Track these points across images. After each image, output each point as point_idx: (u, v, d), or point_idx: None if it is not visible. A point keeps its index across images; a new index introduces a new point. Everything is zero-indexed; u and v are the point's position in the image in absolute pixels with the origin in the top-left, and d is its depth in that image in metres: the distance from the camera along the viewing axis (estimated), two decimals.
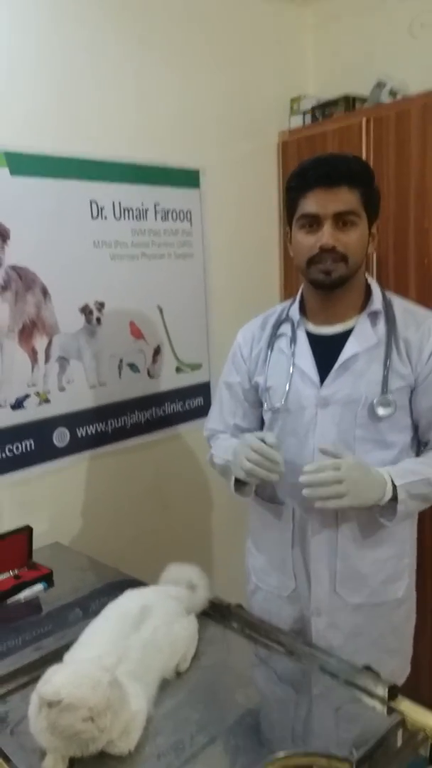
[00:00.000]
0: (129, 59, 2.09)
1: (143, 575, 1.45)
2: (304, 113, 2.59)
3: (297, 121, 2.61)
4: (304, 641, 1.35)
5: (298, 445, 1.38)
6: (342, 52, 2.63)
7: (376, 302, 1.36)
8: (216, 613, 1.48)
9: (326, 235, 1.25)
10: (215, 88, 2.36)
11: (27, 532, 1.73)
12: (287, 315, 1.45)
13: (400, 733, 1.11)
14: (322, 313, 1.39)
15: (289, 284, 2.67)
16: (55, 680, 1.00)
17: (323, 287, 1.34)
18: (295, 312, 1.43)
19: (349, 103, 2.46)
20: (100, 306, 2.07)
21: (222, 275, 2.42)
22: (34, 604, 1.59)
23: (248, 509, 1.59)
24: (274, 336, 1.45)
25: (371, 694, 1.17)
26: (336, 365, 1.34)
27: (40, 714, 0.99)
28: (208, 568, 1.44)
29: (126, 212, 2.12)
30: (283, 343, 1.43)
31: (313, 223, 1.27)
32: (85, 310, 2.04)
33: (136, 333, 2.20)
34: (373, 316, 1.36)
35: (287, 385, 1.38)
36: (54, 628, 1.45)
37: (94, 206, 2.03)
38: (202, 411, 2.42)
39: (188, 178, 2.29)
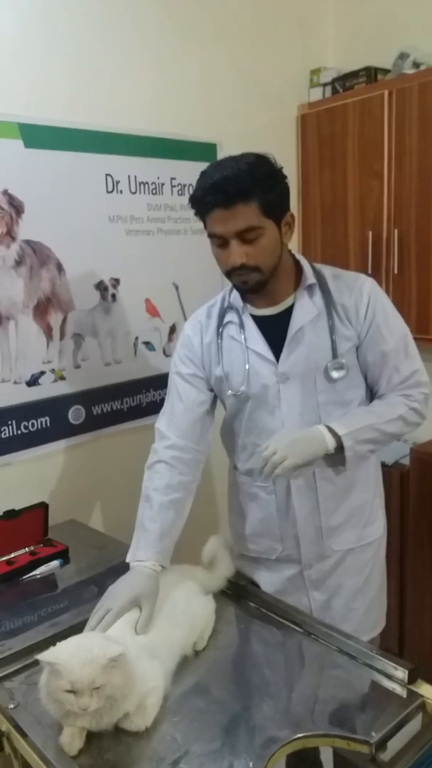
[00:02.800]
0: (146, 31, 2.04)
1: None
2: (324, 85, 2.53)
3: (317, 94, 2.55)
4: (322, 623, 1.34)
5: (268, 420, 1.45)
6: (364, 22, 2.56)
7: (309, 277, 1.43)
8: (233, 593, 1.47)
9: (233, 255, 1.31)
10: (233, 59, 2.30)
11: (43, 508, 1.73)
12: (230, 303, 1.51)
13: (420, 716, 1.09)
14: (260, 299, 1.45)
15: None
16: (59, 645, 1.04)
17: (245, 293, 1.43)
18: (237, 299, 1.49)
19: (371, 74, 2.39)
20: (116, 282, 2.05)
21: None
22: (50, 581, 1.59)
23: (227, 483, 1.63)
24: (221, 324, 1.50)
25: (391, 677, 1.16)
26: (287, 340, 1.41)
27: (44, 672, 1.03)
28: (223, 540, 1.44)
29: (142, 186, 2.08)
30: (232, 330, 1.48)
31: (221, 241, 1.33)
32: (100, 287, 2.01)
33: (152, 311, 2.17)
34: (309, 290, 1.43)
35: (246, 369, 1.44)
36: (70, 605, 1.45)
37: (109, 180, 1.99)
38: None
39: (205, 152, 2.24)
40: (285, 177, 1.35)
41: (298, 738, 1.04)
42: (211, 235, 1.35)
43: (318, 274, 1.45)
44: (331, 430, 1.36)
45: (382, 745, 1.03)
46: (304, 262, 1.46)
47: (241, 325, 1.46)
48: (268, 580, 1.54)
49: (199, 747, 1.02)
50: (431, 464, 2.23)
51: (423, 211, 2.20)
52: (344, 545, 1.50)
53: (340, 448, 1.37)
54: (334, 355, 1.40)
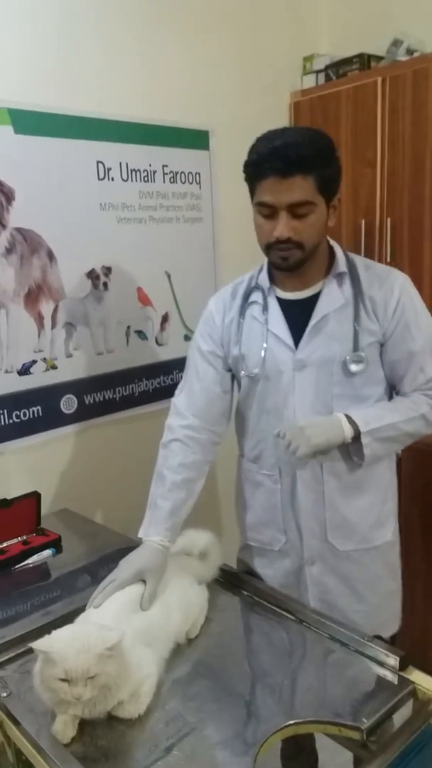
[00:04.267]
0: (139, 18, 2.01)
1: None
2: (317, 72, 2.51)
3: (310, 81, 2.53)
4: (314, 611, 1.34)
5: (280, 407, 1.42)
6: (357, 9, 2.54)
7: (341, 264, 1.40)
8: (225, 581, 1.47)
9: (280, 227, 1.28)
10: (226, 46, 2.28)
11: (35, 497, 1.73)
12: (257, 283, 1.48)
13: (411, 702, 1.10)
14: (289, 281, 1.42)
15: None
16: (54, 634, 1.04)
17: (282, 270, 1.39)
18: (264, 280, 1.46)
19: (364, 61, 2.37)
20: (107, 271, 2.03)
21: (231, 241, 2.37)
22: (42, 570, 1.59)
23: (235, 470, 1.62)
24: (245, 304, 1.47)
25: (382, 664, 1.17)
26: (308, 327, 1.38)
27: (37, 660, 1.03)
28: (215, 535, 1.44)
29: (133, 174, 2.06)
30: (255, 311, 1.45)
31: (270, 211, 1.28)
32: (92, 275, 2.00)
33: (144, 299, 2.16)
34: (339, 278, 1.40)
35: (263, 352, 1.41)
36: (62, 594, 1.46)
37: (100, 167, 1.97)
38: None
39: (197, 139, 2.22)
40: (339, 161, 1.31)
41: (290, 725, 1.05)
42: (259, 204, 1.29)
43: (350, 263, 1.41)
44: (350, 419, 1.34)
45: (373, 731, 1.04)
46: (338, 249, 1.42)
47: (265, 307, 1.43)
48: (270, 573, 1.53)
49: (191, 734, 1.02)
50: (423, 453, 2.24)
51: (416, 199, 2.19)
52: (348, 545, 1.46)
53: (356, 439, 1.34)
54: (355, 348, 1.36)
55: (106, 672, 1.00)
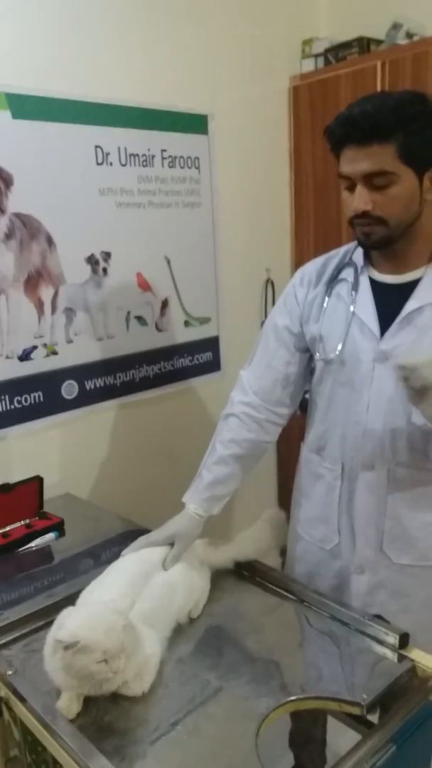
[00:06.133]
0: (137, 2, 1.99)
1: (153, 526, 1.45)
2: (317, 56, 2.49)
3: (309, 65, 2.51)
4: (315, 590, 1.35)
5: (353, 399, 1.32)
6: None
7: None
8: None
9: (357, 200, 1.17)
10: (224, 29, 2.26)
11: (38, 481, 1.74)
12: (350, 259, 1.34)
13: (411, 680, 1.12)
14: (385, 262, 1.28)
15: (300, 235, 2.61)
16: (70, 623, 1.02)
17: (366, 248, 1.28)
18: (359, 256, 1.32)
19: (364, 45, 2.36)
20: (107, 256, 2.03)
21: (231, 225, 2.37)
22: (45, 553, 1.60)
23: (297, 459, 1.54)
24: (334, 280, 1.34)
25: (382, 642, 1.18)
26: (398, 318, 1.24)
27: (55, 655, 1.01)
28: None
29: (132, 158, 2.05)
30: (343, 290, 1.32)
31: (349, 183, 1.19)
32: (91, 260, 2.00)
33: (144, 285, 2.16)
34: None
35: (344, 336, 1.29)
36: (65, 576, 1.47)
37: (99, 152, 1.96)
38: (211, 366, 2.40)
39: (196, 124, 2.22)
40: None
41: (291, 700, 1.06)
42: (340, 176, 1.18)
43: None
44: None
45: (373, 707, 1.06)
46: None
47: (355, 286, 1.29)
48: (318, 572, 1.45)
49: (194, 710, 1.04)
50: None
51: None
52: (404, 559, 1.33)
53: None
54: None
55: (128, 641, 1.03)
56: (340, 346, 1.30)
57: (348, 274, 1.32)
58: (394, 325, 1.25)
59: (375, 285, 1.29)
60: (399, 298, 1.25)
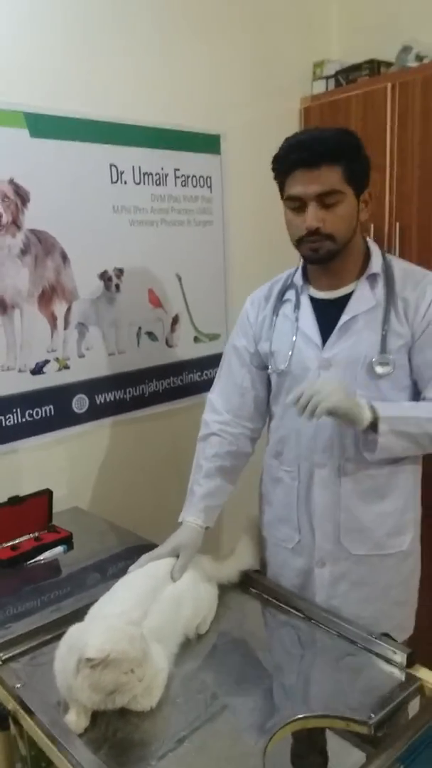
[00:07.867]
0: (152, 22, 2.04)
1: (161, 541, 1.46)
2: (327, 78, 2.53)
3: (320, 87, 2.55)
4: (322, 608, 1.36)
5: None
6: (367, 15, 2.55)
7: (375, 266, 1.40)
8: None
9: (309, 218, 1.29)
10: (237, 52, 2.30)
11: (47, 495, 1.75)
12: (292, 281, 1.50)
13: (417, 699, 1.12)
14: (323, 279, 1.43)
15: None
16: (94, 640, 1.01)
17: (313, 262, 1.40)
18: (298, 278, 1.48)
19: (374, 67, 2.39)
20: (119, 272, 2.06)
21: (241, 244, 2.39)
22: (53, 566, 1.61)
23: (260, 467, 1.64)
24: (279, 302, 1.50)
25: (389, 661, 1.18)
26: (336, 327, 1.39)
27: (80, 674, 1.00)
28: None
29: (145, 177, 2.09)
30: (287, 309, 1.48)
31: (299, 204, 1.31)
32: (104, 277, 2.03)
33: (155, 301, 2.19)
34: (372, 279, 1.40)
35: (291, 348, 1.44)
36: (73, 590, 1.47)
37: (113, 170, 2.00)
38: None
39: (209, 144, 2.25)
40: (368, 156, 1.34)
41: (299, 718, 1.06)
42: (288, 198, 1.32)
43: (387, 265, 1.41)
44: (372, 408, 1.29)
45: (380, 726, 1.05)
46: (375, 251, 1.43)
47: (297, 305, 1.45)
48: (282, 572, 1.53)
49: (202, 726, 1.04)
50: None
51: (425, 205, 2.21)
52: (361, 549, 1.43)
53: (373, 428, 1.29)
54: (382, 350, 1.35)
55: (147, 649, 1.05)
56: (288, 359, 1.44)
57: (291, 294, 1.48)
58: (333, 334, 1.40)
59: (314, 302, 1.45)
60: (335, 311, 1.40)
